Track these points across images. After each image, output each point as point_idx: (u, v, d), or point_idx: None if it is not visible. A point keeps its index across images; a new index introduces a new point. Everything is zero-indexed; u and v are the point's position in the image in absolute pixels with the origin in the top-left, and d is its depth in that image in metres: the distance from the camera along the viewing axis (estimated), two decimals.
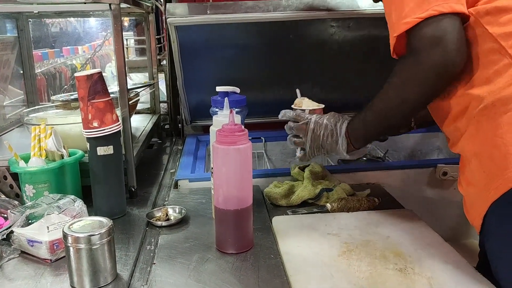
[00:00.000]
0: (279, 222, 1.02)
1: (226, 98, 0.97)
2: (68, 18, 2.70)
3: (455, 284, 0.77)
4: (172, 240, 0.95)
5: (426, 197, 1.33)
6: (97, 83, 0.97)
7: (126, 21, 1.65)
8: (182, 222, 1.03)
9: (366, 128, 0.99)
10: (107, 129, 0.99)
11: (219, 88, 1.05)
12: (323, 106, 1.15)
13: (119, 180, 1.05)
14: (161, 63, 1.79)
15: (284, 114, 1.12)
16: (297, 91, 1.19)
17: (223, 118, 0.96)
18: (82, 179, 1.10)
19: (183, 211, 1.05)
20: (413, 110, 0.92)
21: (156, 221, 1.02)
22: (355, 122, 1.02)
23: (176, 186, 1.28)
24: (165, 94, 1.83)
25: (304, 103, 1.17)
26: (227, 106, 0.97)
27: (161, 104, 1.80)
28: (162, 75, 1.84)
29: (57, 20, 2.75)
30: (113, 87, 1.24)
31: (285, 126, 1.11)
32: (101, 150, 1.00)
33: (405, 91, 0.87)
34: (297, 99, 1.18)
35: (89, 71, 0.97)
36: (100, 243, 0.77)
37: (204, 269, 0.83)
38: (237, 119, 0.97)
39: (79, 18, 2.80)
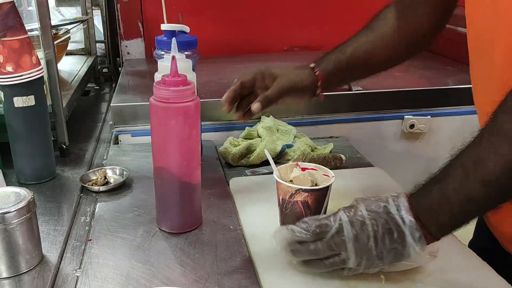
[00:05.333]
0: (237, 185, 0.89)
1: (173, 39, 0.80)
2: None
3: None
4: (112, 209, 0.80)
5: (392, 150, 1.26)
6: (8, 16, 0.77)
7: None
8: (124, 186, 0.88)
9: (458, 200, 0.54)
10: (25, 74, 0.80)
11: (164, 26, 0.87)
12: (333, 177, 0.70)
13: (45, 137, 0.88)
14: None
15: (287, 233, 0.61)
16: (266, 152, 0.78)
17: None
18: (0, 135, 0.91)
19: (124, 172, 0.90)
20: None
21: (92, 185, 0.87)
22: (429, 194, 0.57)
23: (116, 141, 1.11)
24: (102, 32, 1.61)
25: (298, 177, 0.69)
26: (175, 48, 0.79)
27: (97, 44, 1.58)
28: (98, 11, 1.60)
29: None
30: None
31: (288, 249, 0.61)
32: (19, 101, 0.81)
33: None
34: (279, 167, 0.72)
35: None
36: (18, 222, 0.61)
37: (151, 247, 0.70)
38: (186, 65, 0.81)
39: None
